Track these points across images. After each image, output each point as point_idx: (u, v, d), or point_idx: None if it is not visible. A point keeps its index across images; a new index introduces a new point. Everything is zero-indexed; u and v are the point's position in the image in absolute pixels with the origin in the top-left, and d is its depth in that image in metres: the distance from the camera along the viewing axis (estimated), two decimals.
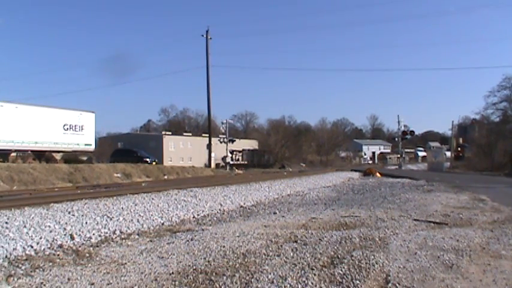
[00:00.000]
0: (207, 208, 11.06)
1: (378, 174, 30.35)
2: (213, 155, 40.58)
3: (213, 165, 41.90)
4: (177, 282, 4.43)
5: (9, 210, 8.78)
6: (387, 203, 11.66)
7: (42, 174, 19.77)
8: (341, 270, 4.77)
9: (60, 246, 6.27)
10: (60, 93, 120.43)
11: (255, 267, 4.95)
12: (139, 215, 9.25)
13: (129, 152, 39.61)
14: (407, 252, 5.64)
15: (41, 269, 4.95)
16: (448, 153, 56.28)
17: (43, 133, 26.53)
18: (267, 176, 25.84)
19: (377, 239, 6.47)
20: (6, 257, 5.53)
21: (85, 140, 29.39)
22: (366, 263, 5.03)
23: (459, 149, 59.74)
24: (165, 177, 26.35)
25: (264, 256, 5.46)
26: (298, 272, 4.71)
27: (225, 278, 4.55)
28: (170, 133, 62.34)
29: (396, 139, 52.32)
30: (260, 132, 78.21)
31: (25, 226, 7.25)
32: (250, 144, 64.54)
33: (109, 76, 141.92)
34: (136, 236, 7.26)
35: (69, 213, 8.78)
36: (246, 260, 5.29)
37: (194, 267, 4.98)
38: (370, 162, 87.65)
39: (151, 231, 7.77)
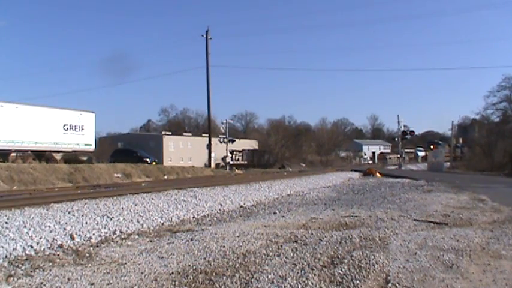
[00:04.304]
0: (207, 208, 11.05)
1: (377, 174, 30.38)
2: (213, 155, 40.59)
3: (213, 165, 41.91)
4: (177, 282, 4.43)
5: (9, 210, 8.79)
6: (387, 203, 11.66)
7: (42, 174, 19.78)
8: (341, 270, 4.77)
9: (60, 246, 6.27)
10: (60, 93, 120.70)
11: (255, 267, 4.95)
12: (139, 215, 9.24)
13: (129, 152, 39.65)
14: (407, 252, 5.64)
15: (41, 269, 4.94)
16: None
17: (43, 133, 26.54)
18: (267, 176, 25.84)
19: (377, 239, 6.47)
20: (6, 257, 5.52)
21: (85, 140, 29.40)
22: (366, 263, 5.03)
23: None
24: (165, 177, 26.36)
25: (264, 256, 5.46)
26: (298, 272, 4.71)
27: (225, 278, 4.55)
28: (170, 133, 62.30)
29: (396, 139, 52.35)
30: (260, 132, 78.18)
31: (25, 226, 7.25)
32: (250, 144, 64.52)
33: (109, 76, 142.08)
34: (136, 236, 7.25)
35: (69, 213, 8.78)
36: (246, 260, 5.29)
37: (194, 267, 4.97)
38: (370, 162, 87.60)
39: (151, 231, 7.77)
